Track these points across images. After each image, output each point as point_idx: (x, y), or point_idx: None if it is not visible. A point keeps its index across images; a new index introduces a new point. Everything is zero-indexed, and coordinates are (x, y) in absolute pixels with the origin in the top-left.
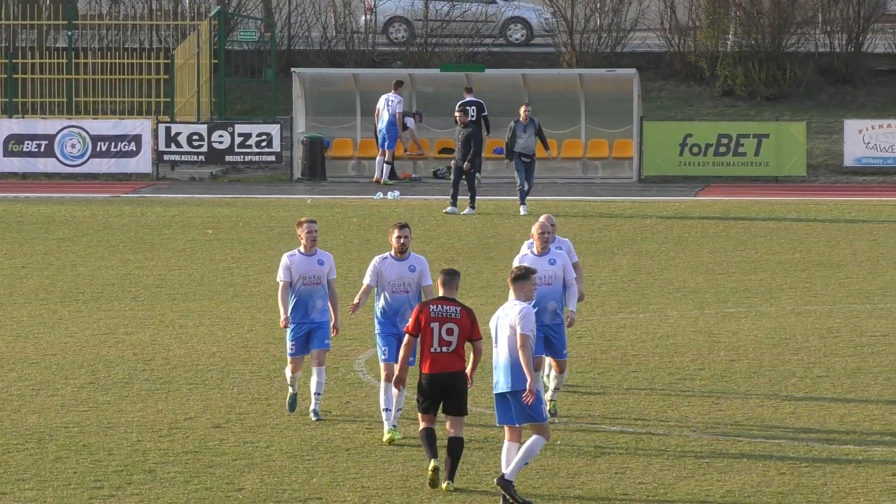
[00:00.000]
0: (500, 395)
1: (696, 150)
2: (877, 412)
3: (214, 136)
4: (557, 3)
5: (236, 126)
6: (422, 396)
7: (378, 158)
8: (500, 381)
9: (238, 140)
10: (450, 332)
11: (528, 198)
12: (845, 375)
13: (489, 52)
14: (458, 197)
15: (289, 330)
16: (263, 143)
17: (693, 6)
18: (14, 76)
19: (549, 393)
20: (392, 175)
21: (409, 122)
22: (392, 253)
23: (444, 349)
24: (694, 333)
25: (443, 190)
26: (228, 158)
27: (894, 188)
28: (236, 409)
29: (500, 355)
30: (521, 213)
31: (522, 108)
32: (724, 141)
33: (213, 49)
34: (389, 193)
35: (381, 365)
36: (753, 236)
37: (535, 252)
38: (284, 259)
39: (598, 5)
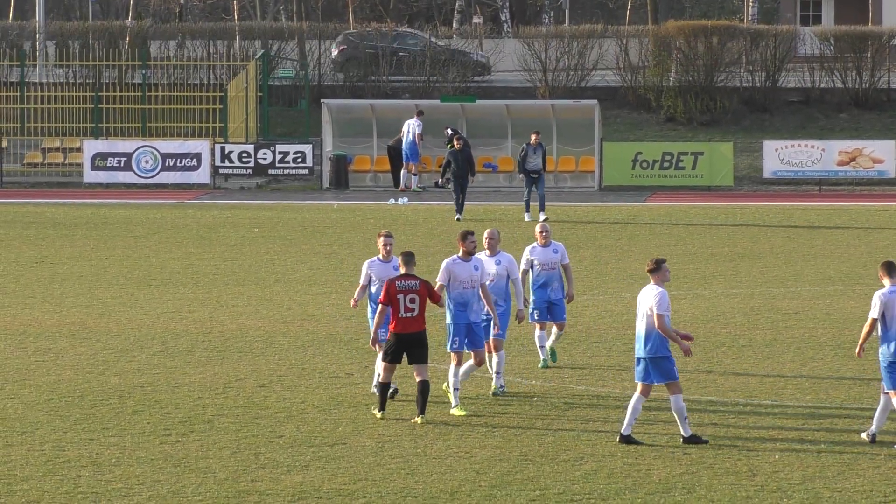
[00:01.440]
0: (638, 360)
1: (645, 164)
2: (789, 375)
3: (259, 154)
4: (534, 47)
5: (277, 146)
6: (390, 350)
7: (403, 171)
8: (639, 348)
9: (278, 157)
10: (412, 300)
11: (542, 206)
12: (764, 345)
13: (479, 87)
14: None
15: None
16: (299, 160)
17: (642, 49)
18: (99, 106)
19: (494, 367)
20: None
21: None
22: (460, 255)
23: (409, 314)
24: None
25: (442, 195)
26: (271, 172)
27: (804, 195)
28: (277, 373)
29: (638, 328)
30: (527, 219)
31: (534, 135)
32: (668, 157)
33: (259, 84)
34: (399, 200)
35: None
36: (691, 234)
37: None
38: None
39: (567, 49)
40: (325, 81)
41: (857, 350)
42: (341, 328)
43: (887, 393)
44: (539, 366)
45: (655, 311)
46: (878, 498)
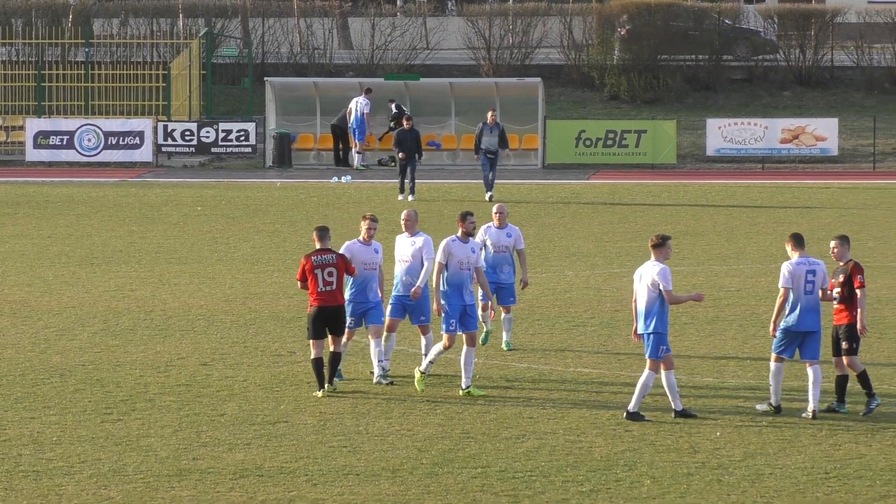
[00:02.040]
0: (642, 336)
1: (588, 142)
2: (731, 351)
3: (202, 132)
4: (478, 25)
5: (220, 124)
6: (314, 325)
7: (352, 149)
8: (640, 325)
9: (221, 135)
10: (330, 274)
11: (489, 186)
12: (707, 322)
13: (423, 65)
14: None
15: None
16: (242, 138)
17: (586, 28)
18: (42, 84)
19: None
20: (344, 162)
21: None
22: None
23: (328, 288)
24: (586, 289)
25: (385, 173)
26: (214, 150)
27: (746, 173)
28: (219, 351)
29: (639, 304)
30: (487, 198)
31: (490, 113)
32: (611, 135)
33: (202, 62)
34: (343, 178)
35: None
36: (634, 211)
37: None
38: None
39: (511, 27)
40: (268, 59)
41: (770, 328)
42: (284, 306)
43: (812, 364)
44: (481, 340)
45: (663, 287)
46: (818, 474)
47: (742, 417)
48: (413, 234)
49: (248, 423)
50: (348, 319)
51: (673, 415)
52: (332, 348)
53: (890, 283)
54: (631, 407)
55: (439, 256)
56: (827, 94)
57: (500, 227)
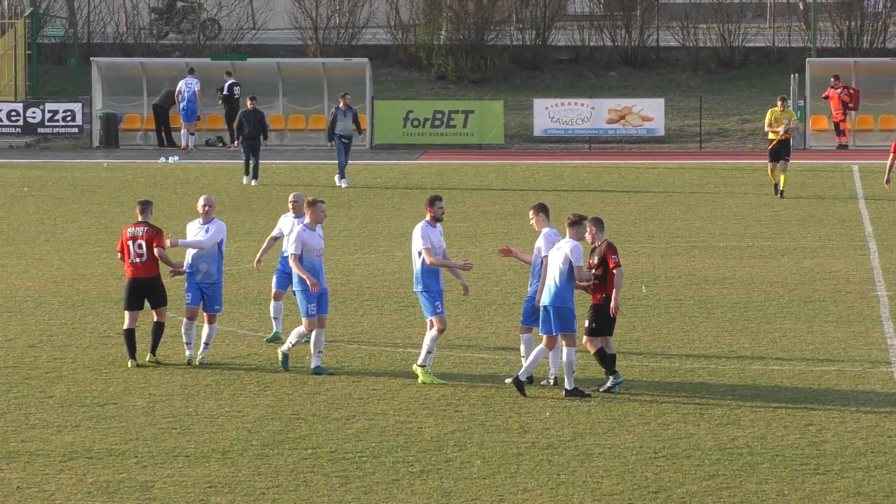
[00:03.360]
0: (543, 308)
1: (416, 123)
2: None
3: (29, 113)
4: (305, 4)
5: (46, 104)
6: (128, 296)
7: (183, 130)
8: (546, 297)
9: (48, 115)
10: (140, 246)
11: (342, 173)
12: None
13: (250, 45)
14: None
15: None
16: (68, 118)
17: (413, 7)
18: None
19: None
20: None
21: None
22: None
23: (139, 259)
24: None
25: (212, 154)
26: (40, 130)
27: (573, 153)
28: (47, 332)
29: (549, 278)
30: (341, 185)
31: (342, 97)
32: (439, 116)
33: (27, 42)
34: (170, 158)
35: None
36: (462, 191)
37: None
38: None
39: (338, 7)
40: (94, 39)
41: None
42: (112, 288)
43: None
44: (266, 338)
45: (575, 263)
46: (647, 453)
47: (571, 398)
48: (208, 220)
49: (76, 405)
50: (307, 307)
51: (564, 393)
52: (154, 318)
53: (717, 262)
54: (568, 385)
55: (426, 242)
56: (653, 74)
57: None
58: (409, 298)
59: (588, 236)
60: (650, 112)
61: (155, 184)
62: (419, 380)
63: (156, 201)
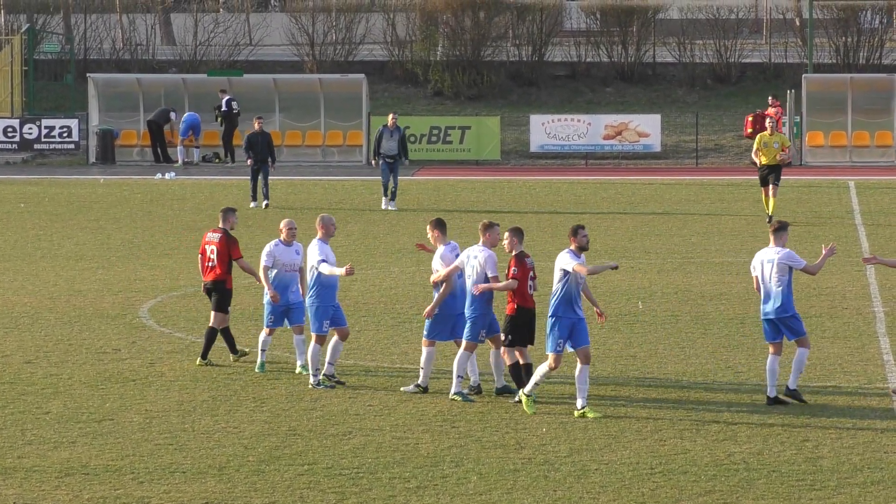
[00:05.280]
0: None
1: (413, 139)
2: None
3: (25, 129)
4: (301, 21)
5: (43, 120)
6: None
7: (178, 146)
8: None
9: (44, 131)
10: (213, 251)
11: (393, 195)
12: None
13: (247, 61)
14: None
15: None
16: (65, 134)
17: (410, 24)
18: None
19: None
20: (165, 159)
21: (173, 115)
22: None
23: (209, 264)
24: (411, 286)
25: (209, 170)
26: (37, 146)
27: (570, 169)
28: (44, 348)
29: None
30: (386, 207)
31: (390, 116)
32: (436, 132)
33: (24, 58)
34: (167, 174)
35: None
36: (458, 207)
37: (284, 240)
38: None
39: (334, 23)
40: (91, 55)
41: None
42: (108, 304)
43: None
44: (256, 369)
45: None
46: (644, 469)
47: (568, 413)
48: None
49: (73, 421)
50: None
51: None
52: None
53: (713, 278)
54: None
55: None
56: (649, 90)
57: (289, 243)
58: (405, 314)
59: (506, 245)
60: (647, 128)
61: (151, 199)
62: (525, 408)
63: (152, 217)
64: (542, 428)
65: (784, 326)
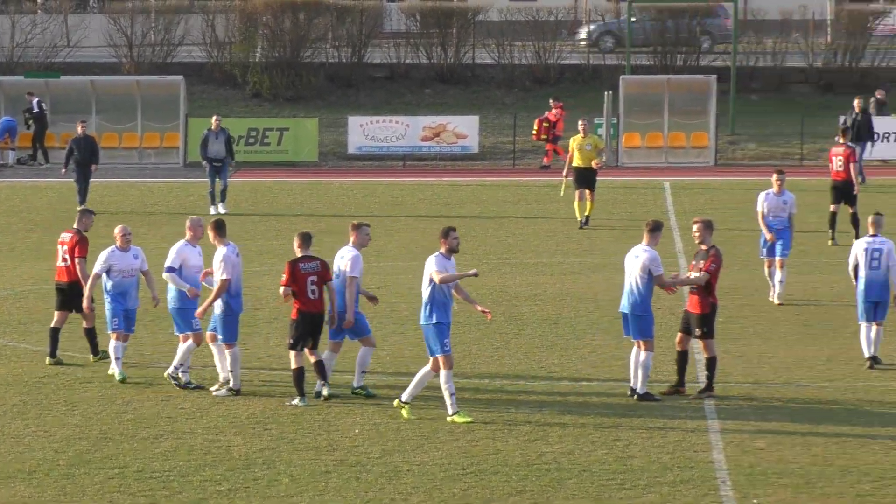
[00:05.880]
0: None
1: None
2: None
3: None
4: (120, 22)
5: None
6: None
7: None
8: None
9: None
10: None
11: (223, 197)
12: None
13: (65, 62)
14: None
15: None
16: None
17: (229, 25)
18: None
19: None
20: None
21: None
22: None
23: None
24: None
25: (24, 173)
26: None
27: (388, 171)
28: None
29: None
30: (212, 211)
31: (214, 119)
32: (253, 133)
33: None
34: None
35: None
36: (276, 209)
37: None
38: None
39: (153, 24)
40: None
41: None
42: None
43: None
44: (117, 378)
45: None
46: (455, 470)
47: (381, 415)
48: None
49: None
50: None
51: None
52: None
53: (528, 279)
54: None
55: (440, 269)
56: (468, 91)
57: (125, 249)
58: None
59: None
60: (465, 129)
61: None
62: (459, 420)
63: None
64: (355, 429)
65: (634, 324)
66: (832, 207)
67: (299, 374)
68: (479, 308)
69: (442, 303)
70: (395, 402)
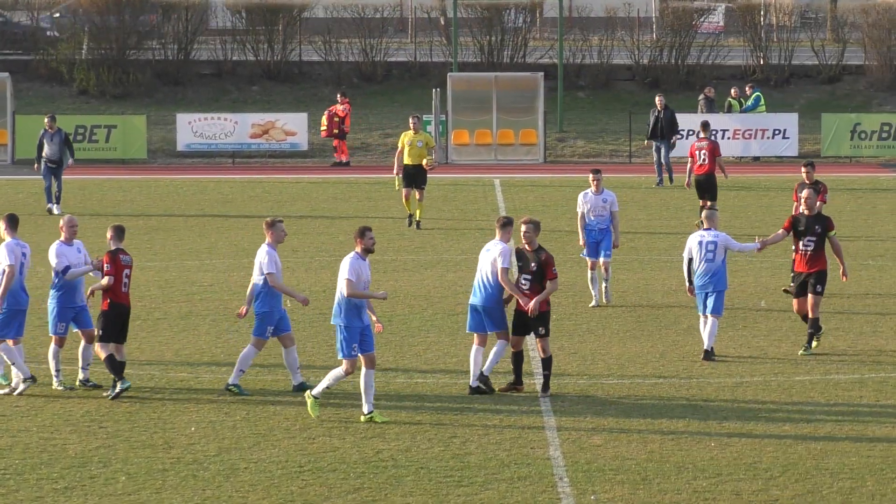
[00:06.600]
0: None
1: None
2: (205, 346)
3: None
4: None
5: None
6: None
7: None
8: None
9: None
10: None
11: (58, 198)
12: (180, 318)
13: None
14: None
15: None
16: None
17: (55, 22)
18: None
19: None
20: None
21: None
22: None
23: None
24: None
25: None
26: None
27: (217, 168)
28: None
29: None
30: (55, 211)
31: (47, 119)
32: (81, 131)
33: None
34: None
35: None
36: (105, 207)
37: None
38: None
39: None
40: None
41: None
42: None
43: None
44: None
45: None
46: (293, 468)
47: (217, 413)
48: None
49: None
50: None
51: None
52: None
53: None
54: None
55: (351, 275)
56: (296, 88)
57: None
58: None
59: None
60: (293, 126)
61: None
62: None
63: None
64: (191, 427)
65: (489, 317)
66: (701, 202)
67: (111, 360)
68: (374, 317)
69: (354, 305)
70: (365, 416)
